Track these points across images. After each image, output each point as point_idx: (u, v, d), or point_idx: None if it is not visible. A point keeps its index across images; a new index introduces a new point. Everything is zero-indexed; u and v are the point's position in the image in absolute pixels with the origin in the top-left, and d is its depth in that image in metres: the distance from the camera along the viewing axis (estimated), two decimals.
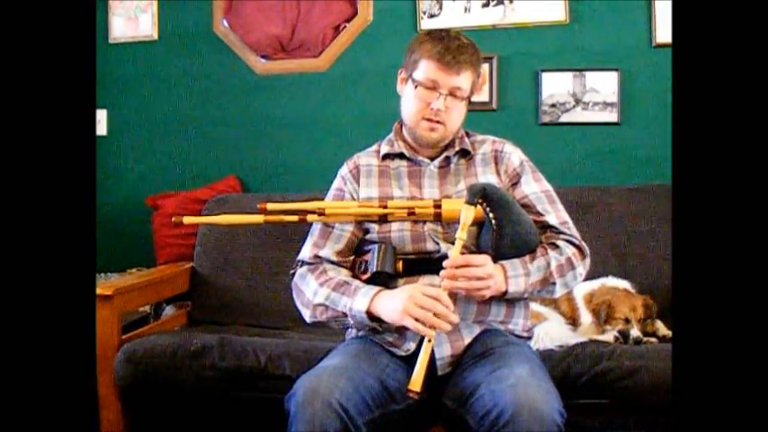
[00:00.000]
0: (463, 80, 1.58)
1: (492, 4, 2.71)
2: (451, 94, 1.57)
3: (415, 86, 1.59)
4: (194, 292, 2.54)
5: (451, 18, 2.72)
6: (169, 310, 2.56)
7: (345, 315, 1.51)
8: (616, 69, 2.63)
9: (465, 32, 1.66)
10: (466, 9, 2.72)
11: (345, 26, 2.83)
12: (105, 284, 2.13)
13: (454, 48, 1.56)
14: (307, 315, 1.60)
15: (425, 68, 1.58)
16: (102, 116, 3.00)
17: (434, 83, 1.57)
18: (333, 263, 1.61)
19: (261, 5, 2.88)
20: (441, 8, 2.73)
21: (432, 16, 2.74)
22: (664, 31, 2.59)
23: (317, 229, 1.66)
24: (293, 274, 1.65)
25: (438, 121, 1.58)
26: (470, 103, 1.65)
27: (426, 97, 1.58)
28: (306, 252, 1.65)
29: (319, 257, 1.62)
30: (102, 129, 3.00)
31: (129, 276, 2.56)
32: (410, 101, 1.61)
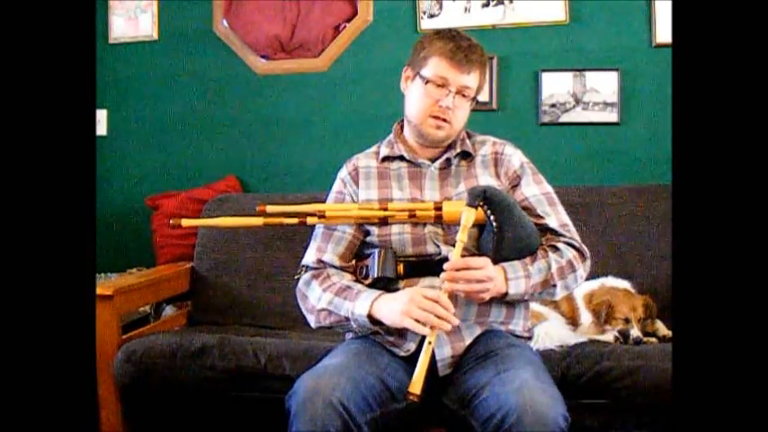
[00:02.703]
0: (472, 79, 1.59)
1: (492, 4, 2.71)
2: (460, 92, 1.58)
3: (425, 83, 1.59)
4: (194, 292, 2.54)
5: (451, 18, 2.71)
6: (169, 310, 2.56)
7: (348, 319, 1.51)
8: (616, 69, 2.63)
9: (465, 32, 1.66)
10: (466, 9, 2.72)
11: (345, 26, 2.83)
12: (105, 284, 2.13)
13: (465, 47, 1.57)
14: (312, 320, 1.61)
15: (436, 66, 1.58)
16: (102, 116, 3.00)
17: (444, 80, 1.57)
18: (336, 267, 1.62)
19: (261, 5, 2.88)
20: (441, 8, 2.73)
21: (432, 16, 2.74)
22: (664, 31, 2.59)
23: (319, 233, 1.66)
24: (298, 280, 1.65)
25: (444, 120, 1.58)
26: (477, 103, 1.66)
27: (435, 94, 1.58)
28: (310, 257, 1.65)
29: (323, 262, 1.62)
30: (102, 129, 3.00)
31: (129, 276, 2.56)
32: (418, 98, 1.61)
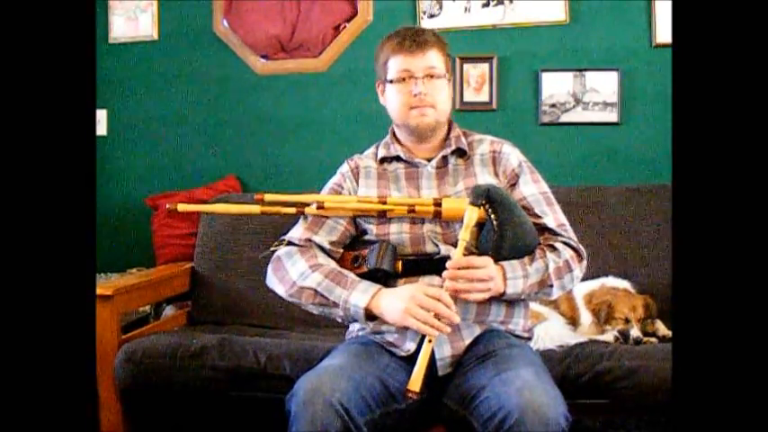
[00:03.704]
0: (432, 59, 1.60)
1: (492, 4, 2.71)
2: (427, 75, 1.59)
3: (393, 83, 1.61)
4: (194, 292, 2.54)
5: (451, 18, 2.71)
6: (169, 310, 2.56)
7: (336, 305, 1.50)
8: (616, 69, 2.63)
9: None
10: (466, 9, 2.72)
11: (345, 26, 2.83)
12: (105, 284, 2.13)
13: (411, 33, 1.61)
14: (283, 291, 1.57)
15: (394, 64, 1.61)
16: (102, 116, 3.00)
17: (407, 71, 1.60)
18: (323, 250, 1.61)
19: (261, 5, 2.88)
20: (441, 8, 2.73)
21: (432, 16, 2.74)
22: (664, 31, 2.59)
23: (311, 216, 1.65)
24: (273, 251, 1.63)
25: (425, 106, 1.59)
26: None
27: (405, 88, 1.60)
28: (296, 233, 1.63)
29: (310, 241, 1.61)
30: (102, 129, 3.00)
31: (129, 276, 2.56)
32: (393, 99, 1.63)
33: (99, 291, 2.01)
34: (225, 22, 2.92)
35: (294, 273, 1.55)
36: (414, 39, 1.59)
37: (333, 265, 1.57)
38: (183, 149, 2.97)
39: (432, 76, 1.60)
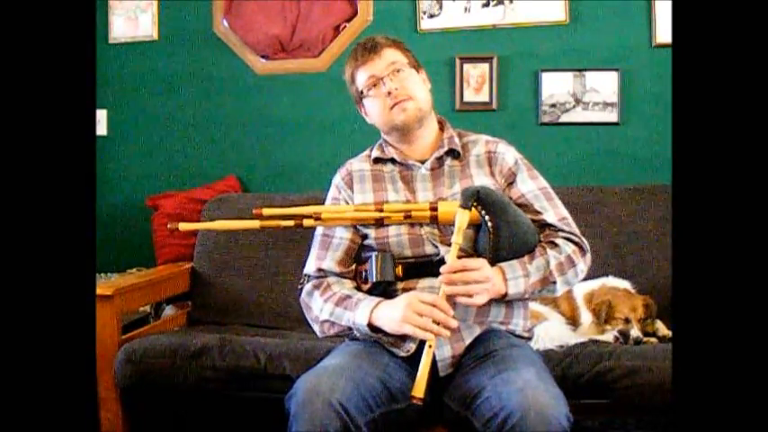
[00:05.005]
0: (389, 56, 1.63)
1: (492, 4, 2.71)
2: (391, 72, 1.62)
3: (367, 95, 1.64)
4: (194, 292, 2.54)
5: (451, 18, 2.71)
6: (169, 310, 2.56)
7: (350, 329, 1.52)
8: (616, 69, 2.63)
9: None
10: (466, 9, 2.72)
11: (345, 26, 2.83)
12: (105, 284, 2.14)
13: (363, 44, 1.66)
14: (317, 330, 1.61)
15: (360, 77, 1.65)
16: (102, 116, 3.00)
17: (372, 77, 1.62)
18: (336, 274, 1.62)
19: (261, 5, 2.88)
20: (441, 8, 2.73)
21: (432, 16, 2.74)
22: (664, 31, 2.59)
23: (317, 240, 1.67)
24: (301, 289, 1.65)
25: (403, 100, 1.61)
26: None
27: (378, 92, 1.62)
28: (310, 266, 1.65)
29: (323, 270, 1.62)
30: (102, 129, 3.00)
31: (129, 276, 2.56)
32: (373, 107, 1.65)
33: (99, 291, 2.01)
34: (225, 22, 2.92)
35: (316, 310, 1.59)
36: (365, 48, 1.64)
37: (345, 289, 1.58)
38: (183, 149, 2.97)
39: (397, 71, 1.62)
